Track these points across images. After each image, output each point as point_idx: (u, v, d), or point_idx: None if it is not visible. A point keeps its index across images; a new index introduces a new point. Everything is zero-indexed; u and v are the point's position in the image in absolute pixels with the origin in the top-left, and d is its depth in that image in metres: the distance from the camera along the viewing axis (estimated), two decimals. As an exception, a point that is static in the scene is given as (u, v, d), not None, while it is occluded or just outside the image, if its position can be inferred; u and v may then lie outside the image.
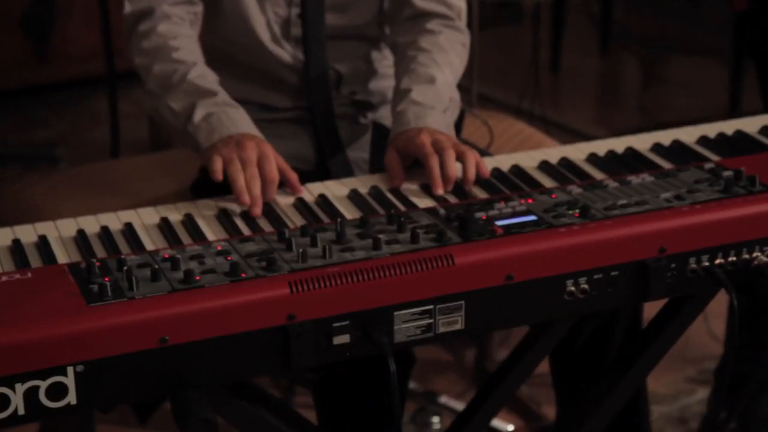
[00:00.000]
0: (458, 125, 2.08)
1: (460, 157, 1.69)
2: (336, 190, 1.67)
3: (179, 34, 1.85)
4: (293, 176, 1.68)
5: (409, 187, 1.68)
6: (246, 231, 1.53)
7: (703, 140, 1.80)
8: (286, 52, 1.95)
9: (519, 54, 4.78)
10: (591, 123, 4.27)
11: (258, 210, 1.60)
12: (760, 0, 2.35)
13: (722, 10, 5.49)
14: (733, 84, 4.34)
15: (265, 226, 1.55)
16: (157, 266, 1.37)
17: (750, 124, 1.85)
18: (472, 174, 1.66)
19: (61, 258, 1.45)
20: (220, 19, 1.95)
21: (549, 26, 4.71)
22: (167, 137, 2.89)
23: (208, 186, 1.99)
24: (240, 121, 1.74)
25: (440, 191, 1.66)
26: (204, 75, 1.81)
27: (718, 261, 1.52)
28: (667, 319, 1.64)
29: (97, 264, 1.37)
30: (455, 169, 1.67)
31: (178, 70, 1.81)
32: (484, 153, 1.96)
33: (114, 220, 1.56)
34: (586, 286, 1.47)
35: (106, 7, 3.11)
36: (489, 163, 1.73)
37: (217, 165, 1.65)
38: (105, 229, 1.53)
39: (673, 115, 4.29)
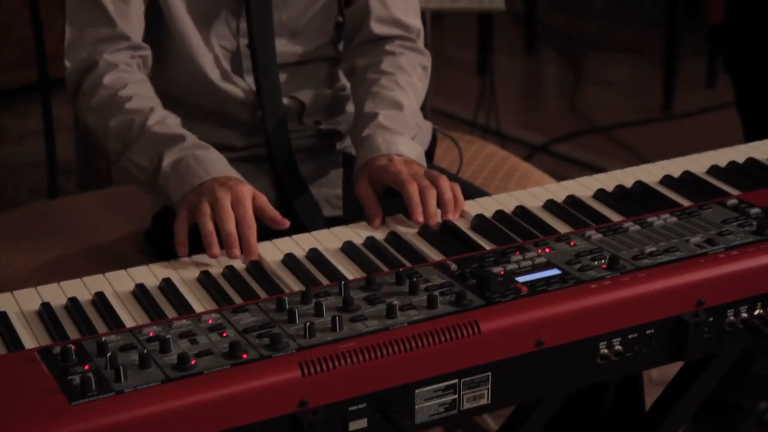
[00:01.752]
0: (431, 151, 1.94)
1: (433, 183, 1.57)
2: (327, 241, 1.50)
3: (128, 81, 1.68)
4: (273, 213, 1.52)
5: (402, 230, 1.52)
6: (236, 297, 1.35)
7: (715, 170, 1.67)
8: (237, 88, 1.78)
9: (450, 58, 4.69)
10: (521, 126, 4.16)
11: (236, 251, 1.44)
12: (737, 13, 2.25)
13: (640, 4, 5.47)
14: (667, 83, 4.29)
15: (258, 290, 1.37)
16: (144, 350, 1.18)
17: (760, 150, 1.73)
18: (449, 196, 1.55)
19: (28, 341, 1.25)
20: (167, 62, 1.78)
21: (475, 28, 4.59)
22: (95, 154, 2.72)
23: (164, 235, 1.82)
24: (210, 162, 1.57)
25: (420, 219, 1.53)
26: (163, 120, 1.64)
27: (757, 311, 1.38)
28: (691, 378, 1.50)
29: (73, 347, 1.18)
30: (435, 206, 1.55)
31: (135, 120, 1.63)
32: (454, 179, 1.83)
33: (81, 288, 1.36)
34: (620, 347, 1.32)
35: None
36: (490, 205, 1.58)
37: (181, 232, 1.49)
38: (73, 301, 1.33)
39: (606, 116, 4.20)
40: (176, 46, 1.76)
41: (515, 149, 3.81)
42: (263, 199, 1.53)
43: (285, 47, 1.80)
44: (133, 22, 1.72)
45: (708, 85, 4.43)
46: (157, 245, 1.80)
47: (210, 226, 1.47)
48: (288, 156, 1.78)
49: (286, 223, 1.52)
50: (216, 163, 1.57)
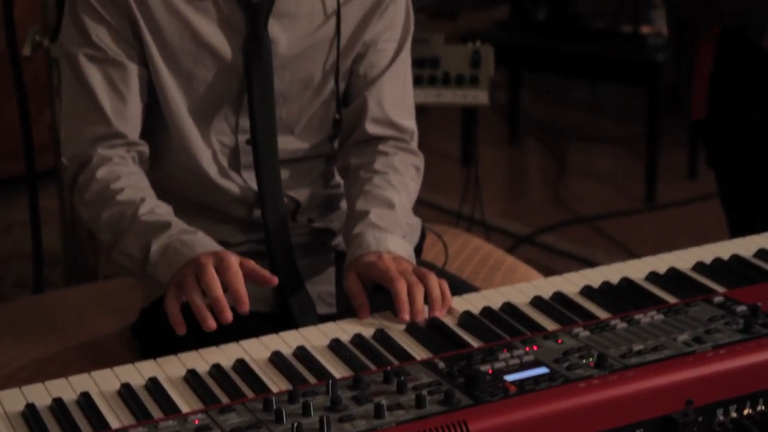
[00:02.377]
0: (420, 246, 1.96)
1: (422, 280, 1.58)
2: (314, 338, 1.49)
3: (121, 173, 1.69)
4: (263, 273, 1.53)
5: (390, 326, 1.52)
6: (223, 397, 1.34)
7: (700, 267, 1.67)
8: (234, 185, 1.79)
9: (434, 149, 4.72)
10: (506, 217, 4.17)
11: (227, 315, 1.46)
12: (719, 109, 2.27)
13: (622, 96, 5.55)
14: (649, 174, 4.32)
15: (244, 389, 1.36)
16: (130, 452, 1.17)
17: (744, 246, 1.74)
18: (437, 293, 1.55)
19: (12, 443, 1.24)
20: (165, 157, 1.79)
21: (459, 120, 4.63)
22: (81, 246, 2.71)
23: (151, 329, 1.81)
24: (197, 243, 1.58)
25: (407, 318, 1.53)
26: (153, 210, 1.65)
27: (746, 411, 1.38)
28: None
29: (57, 450, 1.17)
30: (423, 302, 1.55)
31: (126, 212, 1.64)
32: (442, 273, 1.84)
33: (67, 388, 1.35)
34: (608, 448, 1.32)
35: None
36: (478, 301, 1.58)
37: (173, 310, 1.49)
38: (58, 402, 1.32)
39: (590, 206, 4.23)
40: (175, 142, 1.77)
41: (500, 240, 3.83)
42: (251, 263, 1.53)
43: (283, 144, 1.81)
44: (130, 121, 1.74)
45: (690, 177, 4.48)
46: (145, 340, 1.79)
47: (199, 300, 1.48)
48: (287, 253, 1.79)
49: (275, 281, 1.53)
50: (203, 242, 1.59)
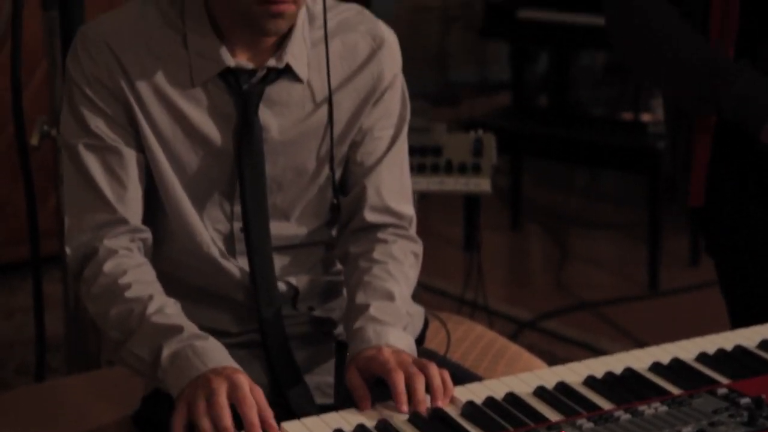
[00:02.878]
0: (423, 335, 1.96)
1: (422, 371, 1.58)
2: (316, 428, 1.49)
3: (128, 267, 1.70)
4: (267, 413, 1.50)
5: (393, 417, 1.52)
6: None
7: (704, 357, 1.67)
8: (235, 267, 1.80)
9: (436, 235, 4.74)
10: (508, 302, 4.17)
11: None
12: (718, 197, 2.28)
13: (623, 182, 5.58)
14: (651, 261, 4.33)
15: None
16: None
17: (747, 337, 1.74)
18: (438, 383, 1.55)
19: None
20: (166, 241, 1.80)
21: (461, 205, 4.65)
22: (85, 333, 2.71)
23: (153, 417, 1.81)
24: (208, 353, 1.57)
25: (404, 409, 1.53)
26: (162, 309, 1.65)
27: (750, 504, 1.37)
28: None
29: None
30: (424, 392, 1.55)
31: (134, 310, 1.65)
32: (444, 362, 1.84)
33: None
34: None
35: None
36: (480, 391, 1.58)
37: (177, 427, 1.50)
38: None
39: (593, 292, 4.23)
40: (175, 226, 1.78)
41: (503, 325, 3.82)
42: (259, 393, 1.53)
43: (279, 230, 1.82)
44: (132, 206, 1.75)
45: (692, 264, 4.48)
46: (146, 429, 1.79)
47: (207, 425, 1.48)
48: (282, 343, 1.79)
49: (275, 429, 1.51)
50: (214, 354, 1.58)
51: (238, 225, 1.80)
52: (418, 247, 1.89)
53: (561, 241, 4.86)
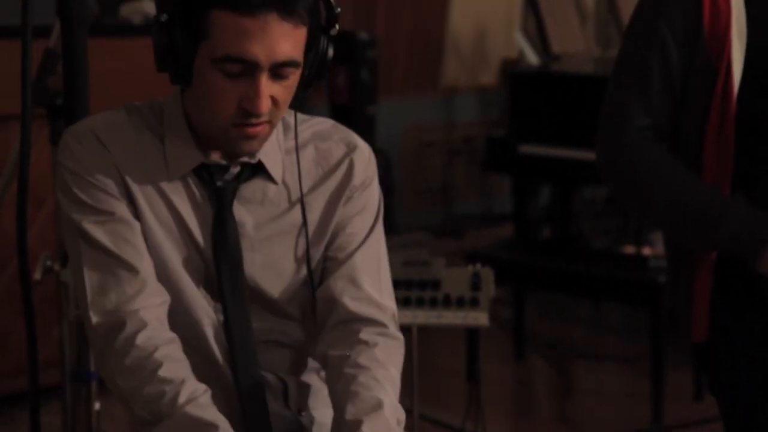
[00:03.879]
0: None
1: None
2: None
3: (161, 342, 1.74)
4: None
5: None
6: None
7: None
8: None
9: (438, 365, 4.74)
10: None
11: None
12: (721, 332, 2.29)
13: (626, 314, 5.59)
14: (655, 395, 4.31)
15: None
16: None
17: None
18: None
19: None
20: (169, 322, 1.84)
21: (463, 336, 4.66)
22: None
23: None
24: None
25: None
26: (196, 398, 1.69)
27: None
28: None
29: None
30: None
31: (166, 393, 1.69)
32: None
33: None
34: None
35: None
36: None
37: None
38: None
39: (596, 426, 4.21)
40: (175, 306, 1.83)
41: (505, 458, 3.80)
42: None
43: (267, 324, 1.88)
44: (149, 270, 1.81)
45: (696, 398, 4.47)
46: None
47: None
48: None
49: None
50: None
51: (220, 318, 1.86)
52: (401, 345, 1.91)
53: (564, 373, 4.86)
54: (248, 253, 1.85)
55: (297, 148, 1.87)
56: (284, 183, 1.88)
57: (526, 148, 4.90)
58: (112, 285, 1.78)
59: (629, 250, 5.19)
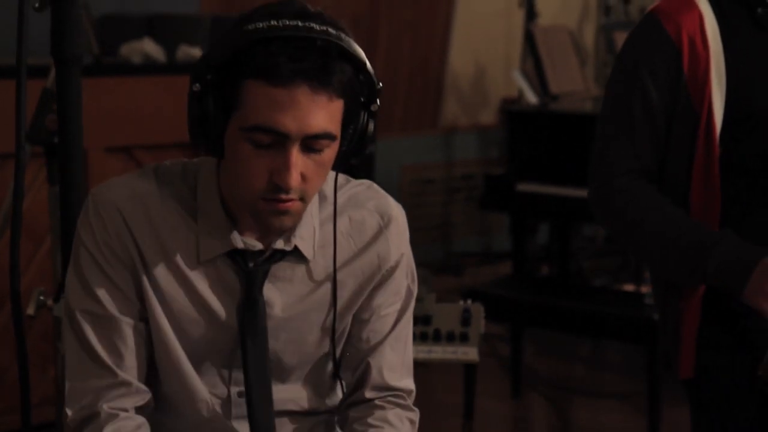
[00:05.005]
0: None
1: None
2: None
3: (128, 430, 1.75)
4: None
5: None
6: None
7: None
8: (232, 430, 1.85)
9: (436, 401, 4.75)
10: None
11: None
12: (708, 368, 2.32)
13: (625, 352, 5.60)
14: (652, 431, 4.33)
15: None
16: None
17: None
18: None
19: None
20: (166, 407, 1.85)
21: (461, 373, 4.67)
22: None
23: None
24: None
25: None
26: None
27: None
28: None
29: None
30: None
31: None
32: None
33: None
34: None
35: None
36: None
37: None
38: None
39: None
40: (174, 390, 1.83)
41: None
42: None
43: (281, 395, 1.87)
44: (132, 370, 1.80)
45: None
46: None
47: None
48: None
49: None
50: None
51: (235, 390, 1.84)
52: (415, 416, 1.92)
53: (562, 411, 4.87)
54: (272, 331, 1.82)
55: (335, 224, 1.82)
56: (316, 258, 1.83)
57: (524, 186, 4.94)
58: (90, 380, 1.78)
59: (628, 287, 5.22)
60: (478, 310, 2.85)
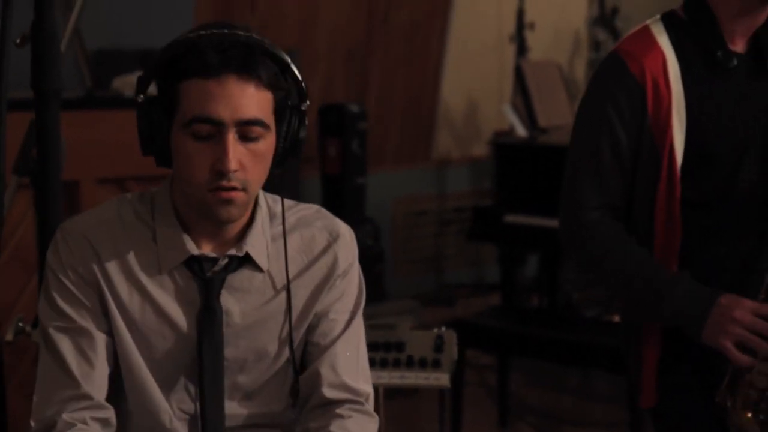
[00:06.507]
0: None
1: None
2: None
3: None
4: None
5: None
6: None
7: None
8: None
9: (419, 429, 4.80)
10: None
11: None
12: (669, 396, 2.38)
13: (614, 382, 5.64)
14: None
15: None
16: None
17: None
18: None
19: None
20: (130, 422, 1.93)
21: (448, 399, 4.72)
22: None
23: None
24: None
25: None
26: None
27: None
28: None
29: None
30: None
31: None
32: None
33: None
34: None
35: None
36: None
37: None
38: None
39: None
40: (137, 405, 1.91)
41: None
42: None
43: (240, 410, 1.95)
44: (97, 385, 1.89)
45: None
46: None
47: None
48: None
49: None
50: None
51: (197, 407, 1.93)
52: (375, 422, 1.99)
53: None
54: (233, 339, 1.93)
55: (285, 235, 1.96)
56: (270, 270, 1.96)
57: (511, 218, 5.00)
58: (55, 393, 1.87)
59: (617, 318, 5.26)
60: (451, 337, 2.92)
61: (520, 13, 6.00)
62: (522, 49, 6.02)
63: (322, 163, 5.33)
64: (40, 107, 2.19)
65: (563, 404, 5.44)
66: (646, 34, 2.36)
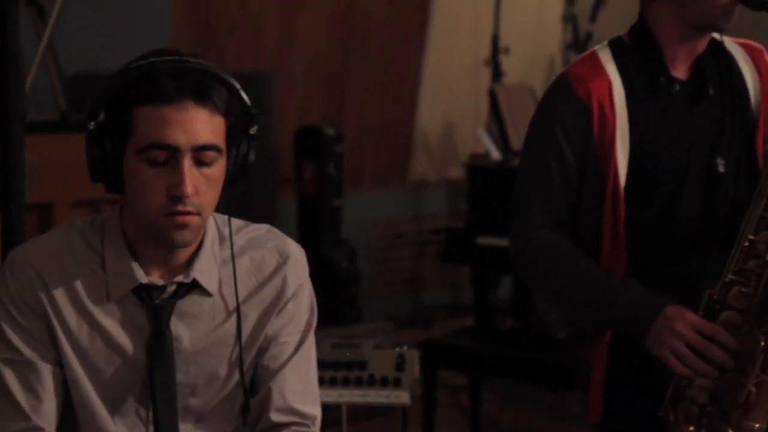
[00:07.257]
0: None
1: None
2: None
3: None
4: None
5: None
6: None
7: None
8: None
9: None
10: None
11: None
12: (613, 413, 2.43)
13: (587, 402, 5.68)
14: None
15: None
16: None
17: None
18: None
19: None
20: None
21: (413, 419, 4.76)
22: None
23: None
24: None
25: None
26: None
27: None
28: None
29: None
30: None
31: None
32: None
33: None
34: None
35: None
36: None
37: None
38: None
39: None
40: None
41: None
42: None
43: (190, 430, 1.98)
44: (47, 416, 1.91)
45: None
46: None
47: None
48: None
49: None
50: None
51: (153, 429, 1.96)
52: None
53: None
54: (183, 365, 1.95)
55: (233, 258, 1.97)
56: (220, 294, 1.98)
57: (484, 240, 5.05)
58: (5, 425, 1.88)
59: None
60: (412, 356, 2.97)
61: (495, 38, 6.07)
62: (497, 73, 6.09)
63: (298, 185, 5.38)
64: (4, 129, 2.23)
65: (537, 424, 5.48)
66: (593, 59, 2.43)
